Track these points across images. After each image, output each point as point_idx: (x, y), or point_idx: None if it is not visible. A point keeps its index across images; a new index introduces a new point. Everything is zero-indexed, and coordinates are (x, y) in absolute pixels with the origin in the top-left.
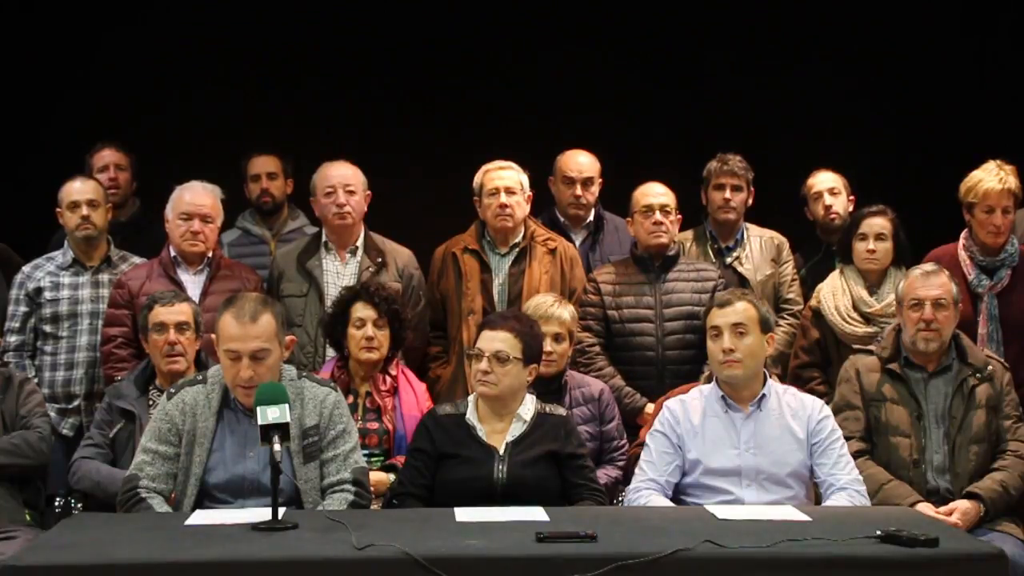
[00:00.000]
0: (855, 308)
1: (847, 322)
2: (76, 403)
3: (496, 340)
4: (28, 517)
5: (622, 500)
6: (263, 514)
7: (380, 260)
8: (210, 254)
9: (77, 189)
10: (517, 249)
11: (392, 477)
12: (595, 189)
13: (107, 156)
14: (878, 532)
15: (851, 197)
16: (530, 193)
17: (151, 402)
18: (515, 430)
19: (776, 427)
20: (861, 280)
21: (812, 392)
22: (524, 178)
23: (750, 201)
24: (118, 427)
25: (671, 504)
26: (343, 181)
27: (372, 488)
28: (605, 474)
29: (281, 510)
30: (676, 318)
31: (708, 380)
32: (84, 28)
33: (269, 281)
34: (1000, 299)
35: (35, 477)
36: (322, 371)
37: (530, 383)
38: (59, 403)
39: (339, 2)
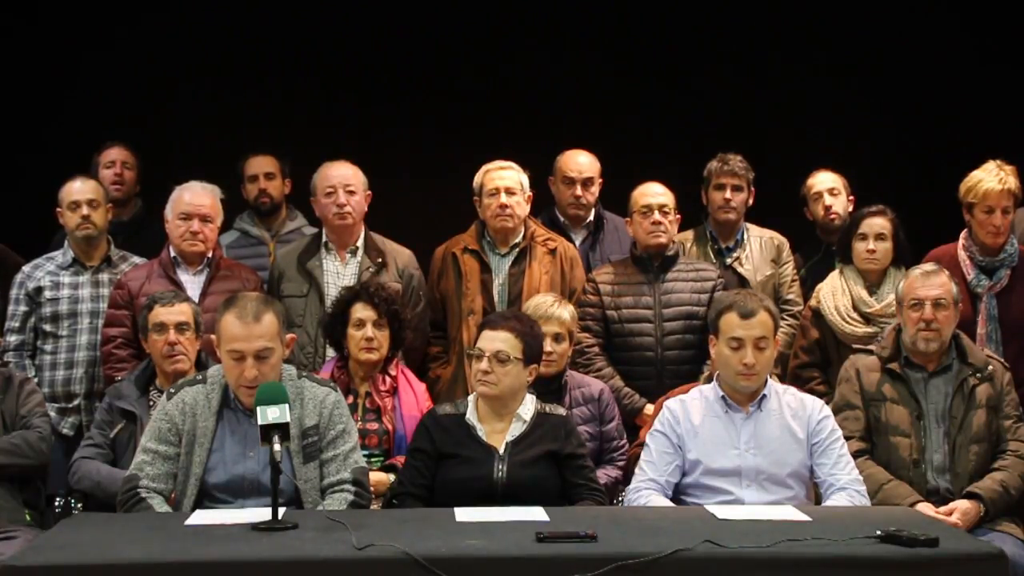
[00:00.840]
0: (855, 308)
1: (847, 322)
2: (76, 403)
3: (496, 340)
4: (28, 517)
5: (622, 500)
6: (263, 514)
7: (380, 260)
8: (210, 254)
9: (77, 189)
10: (517, 249)
11: (392, 477)
12: (595, 189)
13: (114, 153)
14: (878, 532)
15: (851, 197)
16: (530, 193)
17: (151, 402)
18: (515, 430)
19: (776, 427)
20: (861, 280)
21: (812, 392)
22: (524, 178)
23: (750, 201)
24: (118, 427)
25: (671, 504)
26: (343, 181)
27: (372, 488)
28: (605, 474)
29: (281, 510)
30: (675, 318)
31: (708, 380)
32: (84, 28)
33: (269, 281)
34: (999, 299)
35: (35, 477)
36: (322, 371)
37: (530, 383)
38: (59, 403)
39: (339, 2)
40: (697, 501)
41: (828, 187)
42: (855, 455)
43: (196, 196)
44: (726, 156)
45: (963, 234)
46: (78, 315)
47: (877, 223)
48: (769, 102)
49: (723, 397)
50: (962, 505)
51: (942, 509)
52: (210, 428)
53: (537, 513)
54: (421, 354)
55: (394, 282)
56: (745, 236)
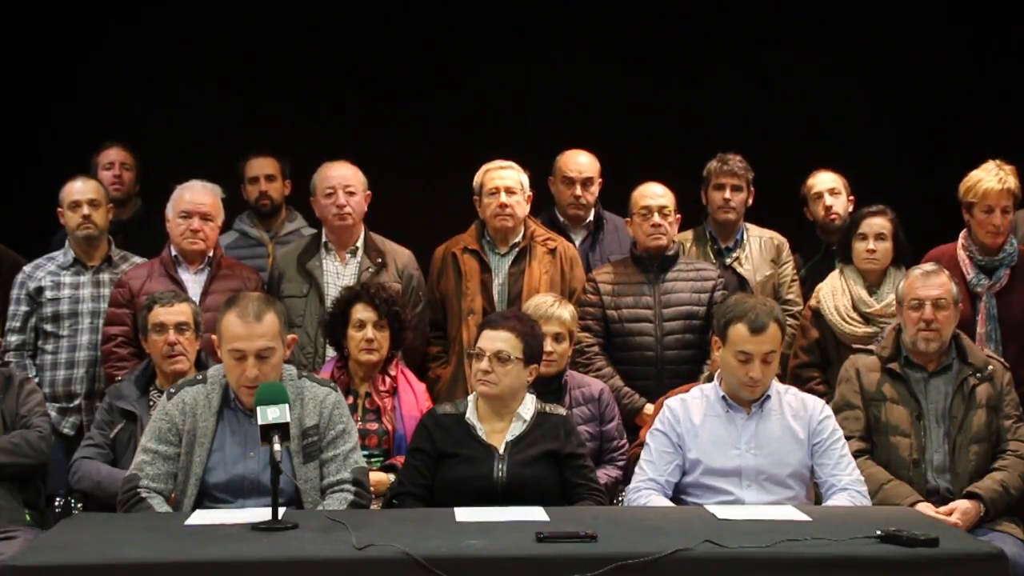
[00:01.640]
0: (855, 308)
1: (846, 322)
2: (77, 402)
3: (497, 340)
4: (28, 517)
5: (622, 500)
6: (263, 514)
7: (380, 260)
8: (211, 253)
9: (78, 189)
10: (517, 249)
11: (392, 477)
12: (595, 189)
13: (113, 154)
14: (878, 532)
15: (851, 197)
16: (530, 193)
17: (151, 402)
18: (515, 430)
19: (777, 427)
20: (861, 280)
21: (811, 392)
22: (524, 178)
23: (750, 201)
24: (119, 427)
25: (671, 504)
26: (343, 182)
27: (372, 488)
28: (605, 474)
29: (281, 510)
30: (675, 318)
31: (708, 379)
32: (84, 29)
33: (269, 282)
34: (999, 299)
35: (35, 477)
36: (322, 371)
37: (530, 383)
38: (60, 402)
39: (338, 3)
40: (697, 501)
41: (828, 187)
42: (855, 455)
43: (197, 195)
44: (726, 156)
45: (963, 234)
46: (79, 315)
47: (877, 223)
48: (769, 102)
49: (724, 397)
50: (962, 505)
51: (942, 509)
52: (210, 428)
53: (537, 513)
54: (421, 354)
55: (394, 282)
56: (745, 236)
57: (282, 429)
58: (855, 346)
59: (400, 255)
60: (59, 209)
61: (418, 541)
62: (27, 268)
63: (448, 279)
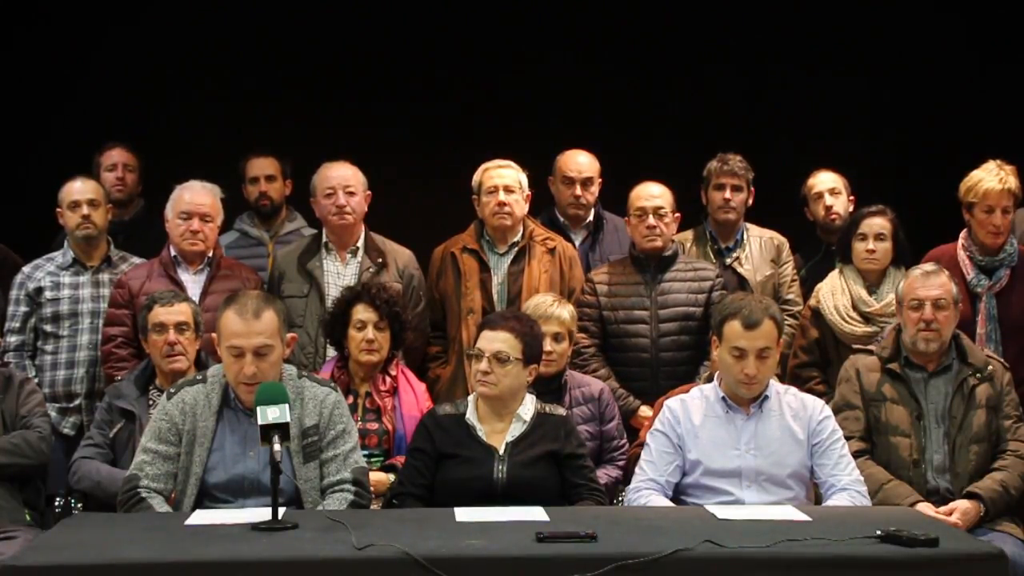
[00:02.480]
0: (854, 308)
1: (846, 322)
2: (77, 402)
3: (496, 340)
4: (28, 517)
5: (622, 500)
6: (263, 514)
7: (380, 260)
8: (210, 253)
9: (78, 189)
10: (516, 248)
11: (392, 477)
12: (595, 189)
13: (116, 155)
14: (878, 532)
15: (851, 197)
16: (529, 192)
17: (151, 402)
18: (515, 430)
19: (777, 428)
20: (860, 280)
21: (811, 392)
22: (523, 177)
23: (750, 201)
24: (118, 427)
25: (671, 504)
26: (343, 182)
27: (372, 488)
28: (605, 474)
29: (281, 510)
30: (671, 319)
31: (708, 380)
32: (84, 29)
33: (269, 282)
34: (999, 299)
35: (35, 477)
36: (322, 371)
37: (530, 383)
38: (60, 402)
39: (339, 3)
40: (697, 502)
41: (828, 187)
42: (855, 455)
43: (196, 195)
44: (726, 156)
45: (963, 234)
46: (78, 315)
47: (877, 223)
48: (769, 102)
49: (724, 398)
50: (962, 505)
51: (942, 509)
52: (210, 428)
53: (537, 513)
54: (421, 354)
55: (395, 282)
56: (745, 236)
57: (282, 429)
58: (855, 346)
59: (400, 255)
60: (58, 209)
61: (418, 541)
62: (26, 269)
63: (447, 279)
